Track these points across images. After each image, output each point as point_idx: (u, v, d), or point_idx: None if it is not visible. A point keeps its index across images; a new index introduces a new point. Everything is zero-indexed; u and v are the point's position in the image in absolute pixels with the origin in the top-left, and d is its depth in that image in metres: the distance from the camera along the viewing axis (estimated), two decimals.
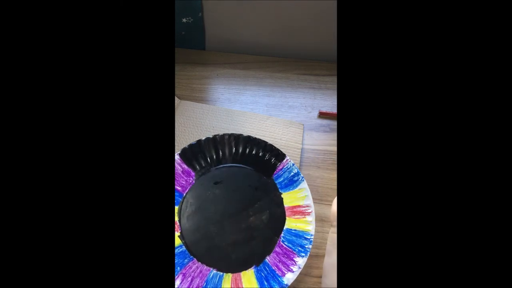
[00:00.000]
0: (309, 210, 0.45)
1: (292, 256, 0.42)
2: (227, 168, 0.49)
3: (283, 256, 0.42)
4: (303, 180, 0.47)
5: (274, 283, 0.40)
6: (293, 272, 0.40)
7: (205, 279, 0.41)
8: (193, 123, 0.56)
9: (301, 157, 0.53)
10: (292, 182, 0.47)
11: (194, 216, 0.45)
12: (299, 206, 0.45)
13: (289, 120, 0.58)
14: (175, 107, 0.57)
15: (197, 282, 0.40)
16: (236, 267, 0.42)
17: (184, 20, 0.63)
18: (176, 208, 0.46)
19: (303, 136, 0.56)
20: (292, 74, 0.65)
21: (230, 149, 0.49)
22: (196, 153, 0.49)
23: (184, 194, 0.46)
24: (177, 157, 0.48)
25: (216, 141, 0.49)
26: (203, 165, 0.48)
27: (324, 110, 0.59)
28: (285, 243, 0.43)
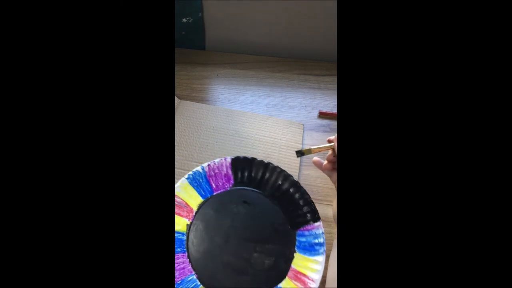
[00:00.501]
0: (313, 285, 0.41)
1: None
2: (262, 196, 0.48)
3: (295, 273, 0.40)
4: (323, 254, 0.42)
5: None
6: None
7: (182, 278, 0.40)
8: (193, 123, 0.56)
9: (301, 157, 0.53)
10: (312, 249, 0.43)
11: (210, 217, 0.45)
12: (305, 275, 0.42)
13: (289, 120, 0.58)
14: (175, 107, 0.57)
15: (175, 275, 0.40)
16: None
17: (184, 20, 0.63)
18: (201, 199, 0.46)
19: (303, 136, 0.56)
20: (292, 74, 0.65)
21: (275, 182, 0.48)
22: (245, 166, 0.49)
23: (214, 193, 0.47)
24: (228, 159, 0.49)
25: (267, 167, 0.49)
26: (245, 180, 0.48)
27: (324, 110, 0.59)
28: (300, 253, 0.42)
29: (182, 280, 0.40)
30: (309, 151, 0.43)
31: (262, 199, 0.47)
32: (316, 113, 0.59)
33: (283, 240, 0.44)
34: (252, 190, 0.48)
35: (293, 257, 0.43)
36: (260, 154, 0.53)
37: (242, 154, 0.51)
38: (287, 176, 0.48)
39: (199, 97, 0.60)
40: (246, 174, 0.49)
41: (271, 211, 0.46)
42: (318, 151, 0.43)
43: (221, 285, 0.40)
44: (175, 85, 0.61)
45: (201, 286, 0.40)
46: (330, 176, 0.43)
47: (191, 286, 0.40)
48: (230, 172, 0.48)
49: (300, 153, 0.44)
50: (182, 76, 0.63)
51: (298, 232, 0.45)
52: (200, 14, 0.62)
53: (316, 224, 0.44)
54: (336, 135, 0.41)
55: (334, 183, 0.42)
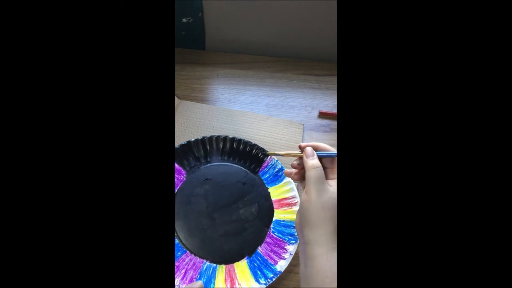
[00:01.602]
0: (295, 201, 0.47)
1: (283, 245, 0.44)
2: (216, 166, 0.51)
3: (274, 246, 0.44)
4: (286, 177, 0.48)
5: (268, 272, 0.41)
6: (285, 259, 0.42)
7: (199, 271, 0.42)
8: (193, 123, 0.56)
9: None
10: (277, 178, 0.49)
11: (186, 211, 0.46)
12: (285, 198, 0.48)
13: (289, 120, 0.58)
14: (175, 107, 0.57)
15: (191, 274, 0.41)
16: (229, 258, 0.43)
17: (184, 20, 0.63)
18: None
19: (303, 136, 0.56)
20: (292, 74, 0.65)
21: (218, 149, 0.52)
22: (186, 152, 0.50)
23: (176, 191, 0.48)
24: None
25: (205, 141, 0.51)
26: (193, 164, 0.50)
27: (324, 110, 0.59)
28: (275, 233, 0.45)
29: (200, 273, 0.41)
30: (274, 154, 0.46)
31: (216, 168, 0.50)
32: (316, 113, 0.59)
33: (253, 187, 0.49)
34: (205, 167, 0.50)
35: (268, 193, 0.48)
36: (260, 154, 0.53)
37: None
38: (223, 138, 0.52)
39: (199, 97, 0.60)
40: (190, 158, 0.50)
41: (230, 173, 0.50)
42: (285, 155, 0.43)
43: (234, 252, 0.43)
44: (175, 85, 0.61)
45: (219, 265, 0.42)
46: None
47: (210, 271, 0.42)
48: (176, 165, 0.50)
49: (265, 155, 0.50)
50: (182, 76, 0.63)
51: (260, 173, 0.50)
52: (200, 14, 0.62)
53: (268, 158, 0.50)
54: (305, 142, 0.39)
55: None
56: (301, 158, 0.38)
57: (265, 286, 0.40)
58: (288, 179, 0.49)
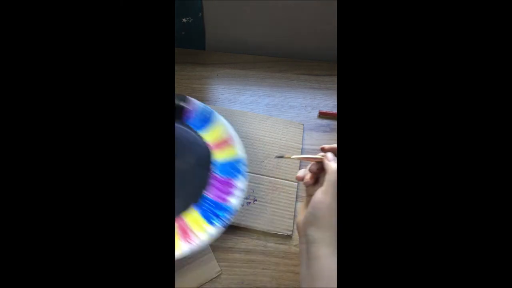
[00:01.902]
0: (230, 137, 0.47)
1: (230, 182, 0.44)
2: None
3: (222, 186, 0.44)
4: (218, 115, 0.49)
5: (220, 212, 0.41)
6: (236, 195, 0.43)
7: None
8: None
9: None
10: (206, 121, 0.49)
11: None
12: (221, 138, 0.48)
13: (289, 120, 0.58)
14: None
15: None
16: (176, 212, 0.42)
17: (184, 20, 0.63)
18: None
19: (303, 136, 0.56)
20: (292, 74, 0.65)
21: None
22: None
23: None
24: None
25: None
26: None
27: (324, 110, 0.59)
28: (220, 174, 0.45)
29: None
30: (295, 158, 0.43)
31: None
32: (316, 113, 0.59)
33: (183, 135, 0.48)
34: None
35: (200, 137, 0.48)
36: (260, 154, 0.53)
37: (242, 154, 0.51)
38: None
39: (199, 97, 0.60)
40: None
41: None
42: (304, 160, 0.41)
43: (181, 206, 0.42)
44: (175, 85, 0.61)
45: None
46: (307, 190, 0.39)
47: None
48: None
49: (280, 157, 0.44)
50: (182, 76, 0.63)
51: (186, 118, 0.49)
52: (200, 14, 0.62)
53: (189, 102, 0.50)
54: (331, 144, 0.39)
55: (309, 196, 0.38)
56: (319, 162, 0.38)
57: (221, 226, 0.40)
58: (219, 118, 0.49)
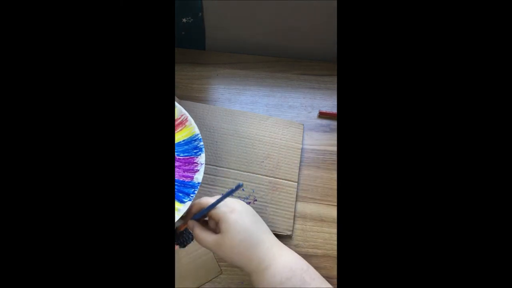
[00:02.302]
0: (185, 117, 0.49)
1: (192, 160, 0.46)
2: None
3: (184, 166, 0.45)
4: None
5: (188, 189, 0.43)
6: (199, 170, 0.45)
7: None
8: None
9: (301, 157, 0.53)
10: None
11: None
12: (177, 121, 0.49)
13: (289, 120, 0.58)
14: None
15: None
16: None
17: (184, 20, 0.63)
18: None
19: (303, 136, 0.56)
20: (292, 74, 0.65)
21: None
22: None
23: None
24: None
25: None
26: None
27: (324, 110, 0.59)
28: (181, 155, 0.46)
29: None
30: (179, 228, 0.39)
31: None
32: (316, 113, 0.59)
33: None
34: None
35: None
36: (260, 154, 0.53)
37: (242, 154, 0.51)
38: None
39: (199, 97, 0.60)
40: None
41: None
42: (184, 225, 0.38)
43: None
44: (175, 85, 0.61)
45: None
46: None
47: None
48: None
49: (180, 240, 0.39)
50: (182, 76, 0.63)
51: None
52: (200, 14, 0.62)
53: None
54: (307, 139, 0.38)
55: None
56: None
57: (190, 201, 0.42)
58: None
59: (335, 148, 0.55)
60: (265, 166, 0.52)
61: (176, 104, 0.49)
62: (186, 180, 0.44)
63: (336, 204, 0.47)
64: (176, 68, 0.64)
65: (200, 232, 0.35)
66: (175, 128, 0.48)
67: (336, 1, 0.52)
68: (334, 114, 0.59)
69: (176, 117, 0.49)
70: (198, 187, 0.43)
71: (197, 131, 0.48)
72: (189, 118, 0.49)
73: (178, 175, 0.45)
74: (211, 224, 0.36)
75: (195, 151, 0.46)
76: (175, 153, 0.47)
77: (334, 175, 0.52)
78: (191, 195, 0.42)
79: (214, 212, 0.34)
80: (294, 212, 0.48)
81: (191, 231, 0.37)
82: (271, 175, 0.51)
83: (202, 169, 0.45)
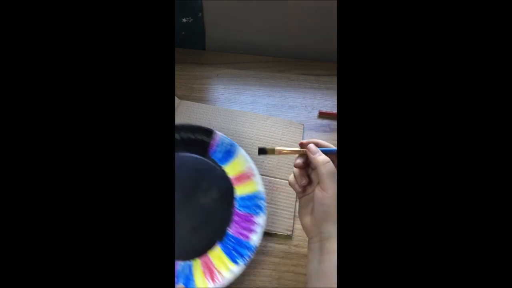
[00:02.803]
0: (253, 171, 0.47)
1: (251, 218, 0.43)
2: None
3: (243, 222, 0.43)
4: (239, 148, 0.49)
5: (243, 249, 0.41)
6: (256, 232, 0.42)
7: (175, 274, 0.40)
8: (193, 123, 0.56)
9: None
10: (229, 154, 0.48)
11: None
12: (242, 172, 0.47)
13: (289, 120, 0.58)
14: (175, 107, 0.57)
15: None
16: (202, 250, 0.42)
17: (184, 20, 0.63)
18: None
19: (303, 136, 0.56)
20: (292, 74, 0.65)
21: None
22: None
23: None
24: None
25: None
26: None
27: (324, 110, 0.59)
28: (241, 210, 0.45)
29: (177, 276, 0.40)
30: (273, 151, 0.37)
31: None
32: (316, 113, 0.59)
33: (208, 170, 0.47)
34: None
35: (224, 171, 0.47)
36: None
37: (242, 154, 0.51)
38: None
39: (199, 97, 0.60)
40: None
41: (180, 164, 0.48)
42: (286, 153, 0.38)
43: (206, 242, 0.42)
44: (175, 85, 0.61)
45: (193, 260, 0.41)
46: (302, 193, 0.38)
47: (187, 270, 0.40)
48: None
49: (262, 151, 0.38)
50: (182, 76, 0.63)
51: (211, 154, 0.49)
52: (200, 14, 0.62)
53: (215, 136, 0.49)
54: (307, 139, 0.38)
55: (304, 197, 0.37)
56: (303, 155, 0.37)
57: (244, 265, 0.40)
58: (241, 151, 0.48)
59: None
60: (265, 166, 0.52)
61: (245, 154, 0.48)
62: (242, 239, 0.42)
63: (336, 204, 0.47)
64: (176, 68, 0.64)
65: (324, 162, 0.34)
66: (241, 179, 0.47)
67: (336, 1, 0.52)
68: (334, 114, 0.59)
69: (243, 169, 0.48)
70: (254, 250, 0.41)
71: (260, 188, 0.46)
72: (257, 174, 0.47)
73: (235, 231, 0.43)
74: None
75: (255, 209, 0.44)
76: (236, 206, 0.45)
77: None
78: (245, 257, 0.40)
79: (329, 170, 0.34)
80: (294, 212, 0.48)
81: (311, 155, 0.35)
82: (271, 175, 0.51)
83: (260, 231, 0.42)
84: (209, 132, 0.49)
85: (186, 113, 0.57)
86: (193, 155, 0.48)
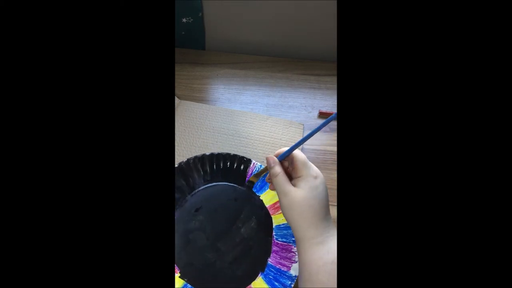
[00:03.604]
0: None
1: (290, 248, 0.43)
2: (201, 191, 0.48)
3: (282, 252, 0.43)
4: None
5: (285, 279, 0.41)
6: (296, 262, 0.41)
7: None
8: (193, 123, 0.56)
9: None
10: (264, 183, 0.48)
11: (188, 251, 0.43)
12: (278, 201, 0.46)
13: (289, 120, 0.58)
14: (175, 107, 0.57)
15: None
16: (244, 281, 0.41)
17: (184, 20, 0.63)
18: None
19: (303, 136, 0.56)
20: (292, 74, 0.65)
21: (198, 172, 0.49)
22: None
23: None
24: None
25: (182, 168, 0.48)
26: (178, 196, 0.47)
27: (324, 110, 0.59)
28: (279, 239, 0.44)
29: None
30: (256, 178, 0.44)
31: (203, 194, 0.47)
32: (316, 113, 0.59)
33: (246, 200, 0.47)
34: (191, 196, 0.47)
35: (261, 201, 0.47)
36: (260, 154, 0.53)
37: (242, 154, 0.51)
38: (201, 158, 0.49)
39: (199, 97, 0.60)
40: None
41: (219, 193, 0.47)
42: (263, 173, 0.42)
43: (248, 273, 0.42)
44: (175, 85, 0.61)
45: None
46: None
47: None
48: None
49: (250, 183, 0.45)
50: (182, 76, 0.63)
51: (247, 181, 0.48)
52: (200, 14, 0.62)
53: (251, 165, 0.49)
54: (277, 150, 0.39)
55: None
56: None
57: None
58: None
59: (335, 148, 0.55)
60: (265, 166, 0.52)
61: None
62: (282, 269, 0.41)
63: (336, 204, 0.47)
64: (176, 68, 0.64)
65: (282, 176, 0.35)
66: (277, 208, 0.46)
67: (336, 1, 0.52)
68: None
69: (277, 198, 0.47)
70: (295, 280, 0.40)
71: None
72: None
73: (275, 261, 0.42)
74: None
75: (293, 238, 0.42)
76: (274, 236, 0.44)
77: (334, 175, 0.52)
78: (287, 287, 0.40)
79: (300, 169, 0.35)
80: None
81: (271, 170, 0.37)
82: None
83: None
84: (247, 162, 0.49)
85: (186, 113, 0.57)
86: (231, 184, 0.48)
